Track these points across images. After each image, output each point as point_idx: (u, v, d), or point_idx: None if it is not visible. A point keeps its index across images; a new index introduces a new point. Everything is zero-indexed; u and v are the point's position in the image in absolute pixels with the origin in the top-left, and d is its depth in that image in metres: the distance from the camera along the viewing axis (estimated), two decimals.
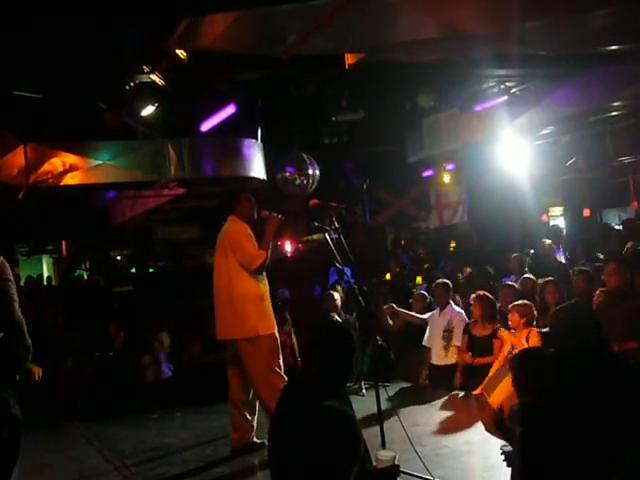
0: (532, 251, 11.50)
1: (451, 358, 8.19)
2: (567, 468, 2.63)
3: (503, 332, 7.55)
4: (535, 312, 7.24)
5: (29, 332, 3.27)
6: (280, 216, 6.04)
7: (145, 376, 8.83)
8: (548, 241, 10.24)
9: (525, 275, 8.61)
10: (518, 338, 7.12)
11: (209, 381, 8.42)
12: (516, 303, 7.30)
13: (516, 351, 6.59)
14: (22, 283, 17.20)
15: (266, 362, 5.90)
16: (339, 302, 8.71)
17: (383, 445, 5.17)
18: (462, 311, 8.47)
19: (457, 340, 8.16)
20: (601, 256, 9.47)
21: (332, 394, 3.04)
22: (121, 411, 7.91)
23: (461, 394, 7.65)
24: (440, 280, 8.92)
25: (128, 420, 7.73)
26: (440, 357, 8.30)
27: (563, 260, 10.53)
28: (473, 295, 8.27)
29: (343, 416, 2.06)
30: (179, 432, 7.20)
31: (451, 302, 8.52)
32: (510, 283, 8.58)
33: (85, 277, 19.41)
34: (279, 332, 6.30)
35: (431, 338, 8.44)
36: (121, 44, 6.91)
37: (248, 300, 5.91)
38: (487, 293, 8.06)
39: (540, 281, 8.13)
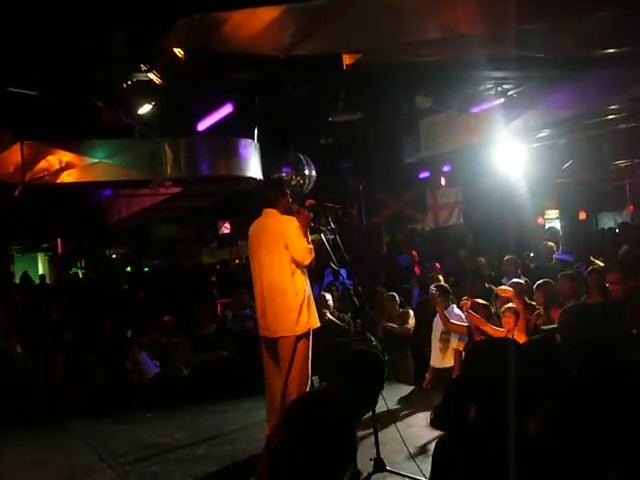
0: (532, 254, 11.51)
1: (449, 360, 8.10)
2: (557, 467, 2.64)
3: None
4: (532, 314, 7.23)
5: (24, 329, 3.28)
6: (311, 214, 5.90)
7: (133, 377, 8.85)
8: (550, 243, 10.21)
9: (522, 278, 8.58)
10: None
11: (201, 380, 8.44)
12: (508, 306, 7.28)
13: None
14: (17, 280, 17.22)
15: (307, 354, 5.81)
16: (331, 302, 8.73)
17: (377, 446, 5.19)
18: (462, 314, 8.37)
19: (455, 342, 8.12)
20: (599, 261, 9.43)
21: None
22: (115, 409, 7.90)
23: None
24: (439, 283, 8.86)
25: (122, 418, 7.72)
26: (438, 360, 8.16)
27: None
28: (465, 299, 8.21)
29: (343, 420, 2.07)
30: (173, 431, 7.18)
31: (453, 305, 8.40)
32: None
33: (80, 275, 19.42)
34: None
35: (432, 340, 8.41)
36: (119, 42, 6.91)
37: (300, 295, 5.81)
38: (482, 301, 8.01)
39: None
